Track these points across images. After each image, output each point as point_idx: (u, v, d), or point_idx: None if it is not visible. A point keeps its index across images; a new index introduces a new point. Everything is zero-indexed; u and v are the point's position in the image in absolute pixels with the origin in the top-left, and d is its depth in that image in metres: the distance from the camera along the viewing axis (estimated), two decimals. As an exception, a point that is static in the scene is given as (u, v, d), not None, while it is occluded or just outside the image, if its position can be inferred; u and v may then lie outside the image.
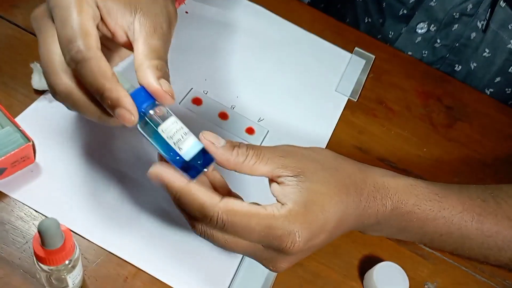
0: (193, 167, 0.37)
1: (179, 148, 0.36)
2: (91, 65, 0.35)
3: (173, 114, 0.38)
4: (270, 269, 0.40)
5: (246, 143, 0.39)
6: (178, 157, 0.36)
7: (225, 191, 0.41)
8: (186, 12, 0.68)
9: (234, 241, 0.37)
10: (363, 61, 0.70)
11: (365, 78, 0.68)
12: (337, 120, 0.63)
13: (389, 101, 0.67)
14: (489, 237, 0.45)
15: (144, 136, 0.38)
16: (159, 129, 0.36)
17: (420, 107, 0.68)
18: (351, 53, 0.71)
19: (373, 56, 0.71)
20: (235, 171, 0.39)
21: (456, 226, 0.44)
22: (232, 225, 0.35)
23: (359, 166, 0.42)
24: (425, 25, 0.71)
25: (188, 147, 0.37)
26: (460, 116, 0.69)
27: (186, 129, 0.37)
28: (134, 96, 0.36)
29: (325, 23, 0.74)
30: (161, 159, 0.38)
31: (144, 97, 0.37)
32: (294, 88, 0.65)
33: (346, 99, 0.65)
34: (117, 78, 0.37)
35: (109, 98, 0.35)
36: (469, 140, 0.66)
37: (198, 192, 0.36)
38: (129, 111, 0.36)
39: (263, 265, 0.40)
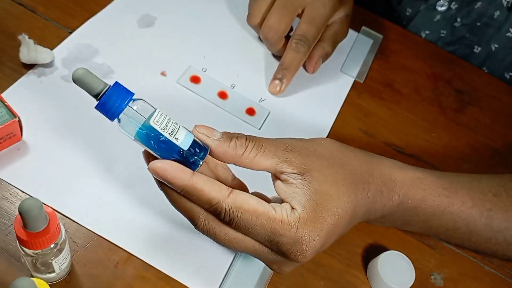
0: (192, 157, 0.34)
1: (176, 139, 0.33)
2: None
3: (156, 107, 0.34)
4: (273, 270, 0.38)
5: (245, 134, 0.36)
6: (173, 150, 0.34)
7: (230, 178, 0.38)
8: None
9: (237, 241, 0.35)
10: (371, 41, 0.67)
11: (372, 59, 0.65)
12: (342, 102, 0.60)
13: (397, 83, 0.64)
14: (498, 232, 0.43)
15: (128, 135, 0.34)
16: (151, 122, 0.33)
17: (429, 90, 0.65)
18: (358, 32, 0.67)
19: (381, 36, 0.68)
20: (235, 164, 0.36)
21: (464, 221, 0.42)
22: (239, 222, 0.33)
23: (365, 157, 0.39)
24: (446, 2, 0.67)
25: (184, 137, 0.34)
26: (470, 100, 0.66)
27: (174, 119, 0.34)
28: (112, 93, 0.33)
29: (331, 0, 0.70)
30: (148, 157, 0.35)
31: (123, 93, 0.33)
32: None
33: (352, 80, 0.62)
34: None
35: None
36: (479, 125, 0.64)
37: (204, 185, 0.33)
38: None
39: (267, 265, 0.38)
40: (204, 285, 0.43)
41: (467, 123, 0.63)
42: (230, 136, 0.35)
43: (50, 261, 0.37)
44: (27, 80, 0.50)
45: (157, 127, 0.33)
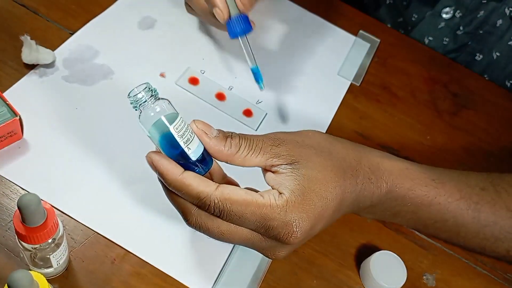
0: (196, 168, 0.35)
1: (188, 148, 0.35)
2: None
3: (178, 112, 0.36)
4: (268, 257, 0.38)
5: (237, 133, 0.37)
6: (182, 156, 0.35)
7: (220, 177, 0.39)
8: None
9: (230, 232, 0.36)
10: (368, 45, 0.68)
11: (369, 62, 0.66)
12: (338, 105, 0.61)
13: (393, 86, 0.65)
14: (485, 226, 0.43)
15: (144, 130, 0.36)
16: (171, 127, 0.34)
17: (425, 93, 0.66)
18: (355, 36, 0.68)
19: (378, 40, 0.69)
20: (226, 162, 0.37)
21: (451, 213, 0.42)
22: (229, 213, 0.34)
23: (353, 146, 0.40)
24: (451, 10, 0.68)
25: (195, 147, 0.35)
26: (466, 103, 0.67)
27: (190, 128, 0.36)
28: None
29: (329, 4, 0.71)
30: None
31: None
32: (295, 70, 0.62)
33: (349, 83, 0.63)
34: None
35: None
36: (475, 128, 0.64)
37: (193, 181, 0.34)
38: (221, 11, 0.49)
39: (262, 254, 0.38)
40: (199, 282, 0.44)
41: (462, 126, 0.64)
42: (225, 136, 0.36)
43: (48, 256, 0.38)
44: (28, 80, 0.51)
45: (175, 133, 0.34)
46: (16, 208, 0.41)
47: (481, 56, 0.70)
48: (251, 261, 0.46)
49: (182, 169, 0.35)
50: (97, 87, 0.53)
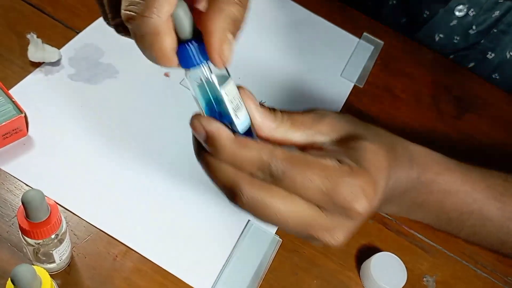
0: None
1: (237, 117, 0.30)
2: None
3: (230, 75, 0.31)
4: (325, 242, 0.32)
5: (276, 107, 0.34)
6: (229, 125, 0.30)
7: None
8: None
9: (286, 208, 0.30)
10: (372, 47, 0.68)
11: (372, 65, 0.66)
12: (341, 107, 0.61)
13: (396, 89, 0.65)
14: (509, 219, 0.42)
15: (191, 90, 0.31)
16: (223, 91, 0.29)
17: (428, 97, 0.66)
18: (359, 38, 0.69)
19: (382, 42, 0.69)
20: (266, 140, 0.33)
21: (478, 203, 0.41)
22: (292, 174, 0.29)
23: (384, 130, 0.39)
24: (465, 8, 0.66)
25: (243, 118, 0.31)
26: (469, 107, 0.67)
27: (239, 95, 0.31)
28: (197, 45, 0.29)
29: (333, 6, 0.72)
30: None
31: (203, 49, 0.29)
32: (298, 71, 0.63)
33: (352, 85, 0.64)
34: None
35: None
36: (478, 132, 0.64)
37: (250, 142, 0.30)
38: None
39: (318, 237, 0.32)
40: (199, 280, 0.44)
41: (465, 130, 0.64)
42: (268, 108, 0.33)
43: (51, 251, 0.39)
44: (34, 77, 0.52)
45: (225, 98, 0.30)
46: (20, 203, 0.41)
47: (493, 55, 0.69)
48: (252, 260, 0.46)
49: (233, 134, 0.30)
50: (102, 85, 0.54)
